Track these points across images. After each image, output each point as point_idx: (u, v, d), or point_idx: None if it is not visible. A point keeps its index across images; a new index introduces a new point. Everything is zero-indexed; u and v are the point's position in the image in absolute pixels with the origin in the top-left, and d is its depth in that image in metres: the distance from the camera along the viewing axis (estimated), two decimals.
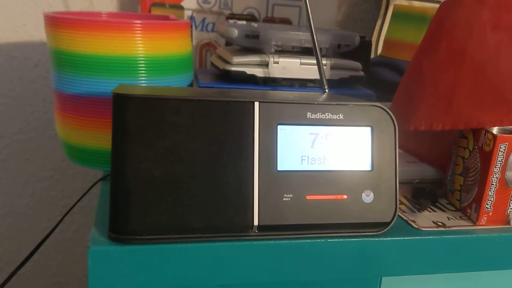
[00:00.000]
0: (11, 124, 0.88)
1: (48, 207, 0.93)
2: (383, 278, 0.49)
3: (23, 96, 0.88)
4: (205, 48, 0.86)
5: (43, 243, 0.55)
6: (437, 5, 0.57)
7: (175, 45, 0.57)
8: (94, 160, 0.56)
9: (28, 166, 0.91)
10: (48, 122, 0.90)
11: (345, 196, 0.44)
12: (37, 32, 0.86)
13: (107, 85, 0.53)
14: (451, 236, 0.47)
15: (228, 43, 0.78)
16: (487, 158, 0.48)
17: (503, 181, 0.48)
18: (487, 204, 0.48)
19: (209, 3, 0.83)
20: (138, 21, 0.53)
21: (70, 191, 0.93)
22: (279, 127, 0.43)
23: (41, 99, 0.88)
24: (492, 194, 0.48)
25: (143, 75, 0.54)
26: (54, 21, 0.54)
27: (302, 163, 0.43)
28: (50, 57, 0.57)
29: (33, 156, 0.91)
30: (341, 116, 0.44)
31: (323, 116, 0.44)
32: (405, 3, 0.92)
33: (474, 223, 0.49)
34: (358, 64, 0.66)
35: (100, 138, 0.54)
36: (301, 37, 0.64)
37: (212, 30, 0.86)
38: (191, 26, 0.79)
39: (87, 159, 0.56)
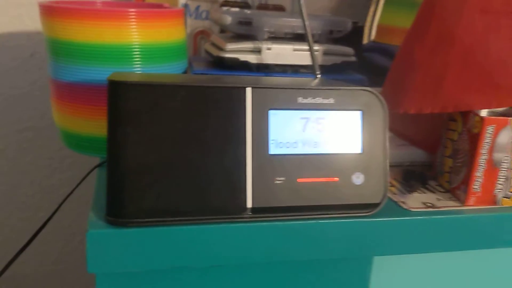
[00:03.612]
0: (8, 114, 0.89)
1: (47, 195, 0.95)
2: (375, 258, 0.50)
3: (19, 86, 0.88)
4: (199, 35, 0.86)
5: (41, 231, 0.57)
6: None
7: (169, 33, 0.57)
8: (91, 147, 0.57)
9: (25, 155, 0.92)
10: (45, 111, 0.90)
11: (336, 179, 0.45)
12: (33, 22, 0.86)
13: (103, 73, 0.54)
14: (440, 217, 0.48)
15: (223, 30, 0.78)
16: (475, 140, 0.49)
17: (490, 162, 0.49)
18: (475, 185, 0.50)
19: None
20: (133, 9, 0.54)
21: (68, 180, 0.94)
22: (270, 111, 0.44)
23: (36, 88, 0.89)
24: (480, 175, 0.49)
25: (138, 63, 0.55)
26: (50, 10, 0.55)
27: (293, 147, 0.44)
28: (46, 46, 0.58)
29: (30, 145, 0.91)
30: (332, 101, 0.45)
31: (314, 101, 0.45)
32: None
33: (463, 204, 0.50)
34: (350, 50, 0.67)
35: (96, 125, 0.55)
36: (293, 23, 0.64)
37: (206, 18, 0.86)
38: (185, 14, 0.79)
39: (84, 146, 0.57)
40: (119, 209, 0.42)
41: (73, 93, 0.56)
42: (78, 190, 0.61)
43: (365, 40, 0.87)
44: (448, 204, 0.50)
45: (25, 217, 0.95)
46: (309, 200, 0.44)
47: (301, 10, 0.56)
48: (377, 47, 0.80)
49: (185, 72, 0.61)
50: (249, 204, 0.43)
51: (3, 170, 0.92)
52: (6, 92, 0.88)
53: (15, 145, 0.91)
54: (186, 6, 0.83)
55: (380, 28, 0.85)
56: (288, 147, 0.44)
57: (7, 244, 0.95)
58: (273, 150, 0.44)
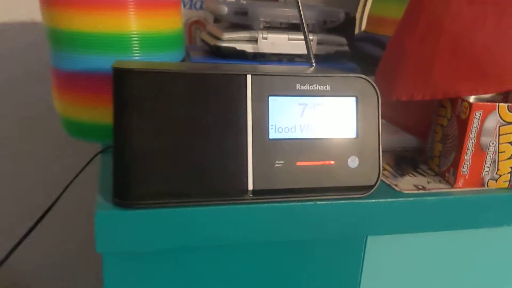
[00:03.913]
0: (7, 104, 0.90)
1: (49, 183, 0.95)
2: (369, 237, 0.53)
3: (16, 75, 0.89)
4: (194, 25, 0.88)
5: (45, 216, 0.58)
6: None
7: (167, 22, 0.59)
8: (93, 134, 0.58)
9: (24, 144, 0.92)
10: (42, 100, 0.91)
11: (332, 162, 0.47)
12: (28, 12, 0.87)
13: (103, 61, 0.55)
14: (430, 198, 0.50)
15: (217, 20, 0.80)
16: (463, 125, 0.51)
17: (478, 146, 0.52)
18: (464, 168, 0.52)
19: None
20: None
21: (69, 167, 0.95)
22: (270, 98, 0.46)
23: (34, 78, 0.89)
24: (468, 158, 0.52)
25: (137, 51, 0.56)
26: (50, 0, 0.55)
27: (292, 132, 0.46)
28: (46, 35, 0.59)
29: (28, 134, 0.92)
30: (328, 87, 0.47)
31: (311, 88, 0.47)
32: None
33: (452, 186, 0.53)
34: (343, 39, 0.69)
35: (98, 112, 0.56)
36: (288, 13, 0.66)
37: (201, 8, 0.87)
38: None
39: (86, 133, 0.58)
40: (125, 191, 0.43)
41: (74, 81, 0.57)
42: (79, 177, 0.62)
43: (356, 30, 0.89)
44: (438, 186, 0.53)
45: (28, 205, 0.96)
46: (307, 183, 0.46)
47: (296, 0, 0.58)
48: (369, 37, 0.82)
49: (183, 60, 0.63)
50: (250, 186, 0.45)
51: (4, 159, 0.92)
52: (3, 82, 0.88)
53: (15, 134, 0.92)
54: None
55: (371, 19, 0.87)
56: (287, 132, 0.46)
57: (9, 232, 0.96)
58: (272, 135, 0.46)
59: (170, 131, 0.43)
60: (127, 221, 0.43)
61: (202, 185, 0.44)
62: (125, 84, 0.43)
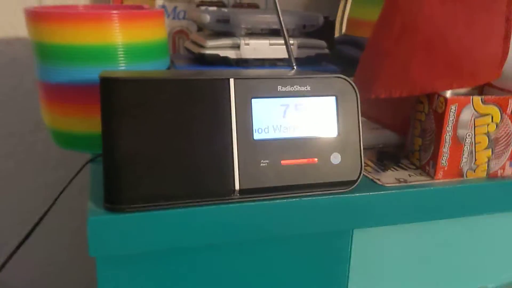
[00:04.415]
0: None
1: (39, 196, 0.96)
2: (355, 230, 0.54)
3: (1, 92, 0.89)
4: (177, 35, 0.89)
5: (36, 228, 0.59)
6: None
7: (152, 32, 0.60)
8: (82, 144, 0.59)
9: (10, 160, 0.93)
10: (32, 114, 0.92)
11: (315, 159, 0.49)
12: (13, 29, 0.88)
13: (90, 72, 0.56)
14: (411, 190, 0.52)
15: (200, 29, 0.81)
16: (440, 119, 0.53)
17: (455, 138, 0.54)
18: (443, 160, 0.54)
19: None
20: (116, 11, 0.56)
21: (58, 179, 0.96)
22: (253, 100, 0.47)
23: (19, 94, 0.90)
24: (446, 151, 0.54)
25: (123, 61, 0.57)
26: (36, 16, 0.57)
27: (275, 132, 0.48)
28: (33, 50, 0.60)
29: (15, 150, 0.93)
30: (308, 88, 0.49)
31: (292, 89, 0.49)
32: None
33: (432, 178, 0.55)
34: (323, 43, 0.71)
35: (87, 123, 0.58)
36: (269, 19, 0.68)
37: (184, 18, 0.89)
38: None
39: (76, 143, 0.59)
40: (116, 196, 0.44)
41: (62, 93, 0.58)
42: (69, 188, 0.63)
43: (336, 33, 0.91)
44: (419, 179, 0.55)
45: (20, 220, 0.96)
46: (292, 180, 0.48)
47: (276, 7, 0.60)
48: (348, 40, 0.84)
49: (168, 69, 0.64)
50: (237, 186, 0.46)
51: None
52: None
53: (3, 150, 0.92)
54: (163, 7, 0.86)
55: (350, 22, 0.90)
56: (270, 132, 0.48)
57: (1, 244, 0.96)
58: (257, 135, 0.47)
59: (157, 136, 0.45)
60: (119, 225, 0.44)
61: (190, 186, 0.45)
62: (112, 93, 0.44)
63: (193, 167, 0.45)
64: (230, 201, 0.47)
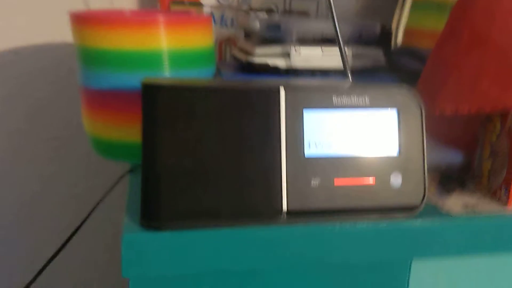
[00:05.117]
0: (34, 124, 0.90)
1: (75, 204, 0.95)
2: (413, 262, 0.49)
3: (45, 96, 0.89)
4: (224, 43, 0.87)
5: (72, 238, 0.57)
6: None
7: (199, 39, 0.58)
8: (122, 153, 0.57)
9: (52, 164, 0.93)
10: (73, 120, 0.91)
11: (373, 181, 0.44)
12: (61, 34, 0.88)
13: (133, 79, 0.54)
14: (481, 219, 0.46)
15: (248, 36, 0.78)
16: None
17: None
18: None
19: None
20: (163, 17, 0.54)
21: (96, 188, 0.95)
22: (305, 111, 0.43)
23: (62, 98, 0.90)
24: None
25: (168, 68, 0.55)
26: (81, 19, 0.55)
27: (329, 148, 0.44)
28: (76, 54, 0.58)
29: (57, 154, 0.93)
30: (367, 100, 0.44)
31: (348, 100, 0.44)
32: None
33: (505, 205, 0.49)
34: (380, 52, 0.66)
35: (127, 131, 0.55)
36: (322, 27, 0.64)
37: (231, 25, 0.86)
38: None
39: (116, 152, 0.57)
40: (154, 212, 0.41)
41: (103, 99, 0.56)
42: (108, 197, 0.61)
43: (393, 44, 0.86)
44: (489, 207, 0.49)
45: (54, 226, 0.96)
46: (345, 203, 0.43)
47: (331, 13, 0.55)
48: (406, 51, 0.79)
49: (214, 77, 0.61)
50: (284, 207, 0.42)
51: (31, 179, 0.93)
52: (35, 103, 0.89)
53: (43, 154, 0.92)
54: (211, 14, 0.83)
55: (408, 31, 0.84)
56: (323, 148, 0.43)
57: (36, 253, 0.96)
58: (308, 151, 0.43)
59: (200, 149, 0.41)
60: (156, 243, 0.41)
61: (233, 205, 0.42)
62: (154, 101, 0.42)
63: (238, 184, 0.42)
64: (276, 223, 0.43)
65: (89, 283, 1.00)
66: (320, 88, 0.44)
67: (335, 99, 0.44)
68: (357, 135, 0.44)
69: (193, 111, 0.41)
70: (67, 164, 0.93)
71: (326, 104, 0.44)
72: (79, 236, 0.93)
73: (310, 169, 0.43)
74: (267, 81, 0.51)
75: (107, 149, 0.58)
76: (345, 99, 0.44)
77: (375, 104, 0.44)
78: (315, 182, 0.43)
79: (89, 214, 0.56)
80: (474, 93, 0.50)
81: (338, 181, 0.43)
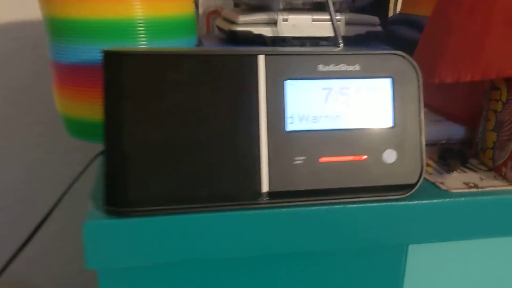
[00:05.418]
0: (13, 108, 0.87)
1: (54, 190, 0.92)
2: (410, 246, 0.46)
3: (24, 77, 0.85)
4: (211, 16, 0.83)
5: (44, 223, 0.53)
6: None
7: (176, 5, 0.53)
8: (94, 133, 0.53)
9: (36, 150, 0.89)
10: (51, 102, 0.88)
11: (364, 157, 0.40)
12: (36, 11, 0.84)
13: None
14: (485, 198, 0.43)
15: (236, 6, 0.74)
16: None
17: None
18: None
19: None
20: None
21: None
22: (287, 82, 0.39)
23: (43, 79, 0.86)
24: None
25: (143, 38, 0.51)
26: None
27: (314, 122, 0.40)
28: (45, 26, 0.54)
29: (41, 140, 0.89)
30: (358, 67, 0.40)
31: (337, 68, 0.40)
32: None
33: (510, 183, 0.45)
34: (375, 19, 0.62)
35: (99, 109, 0.51)
36: None
37: None
38: None
39: (87, 132, 0.54)
40: (119, 196, 0.38)
41: (74, 74, 0.52)
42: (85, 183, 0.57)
43: (390, 13, 0.82)
44: (493, 184, 0.45)
45: (41, 213, 0.92)
46: (333, 182, 0.40)
47: None
48: (403, 19, 0.74)
49: None
50: (265, 188, 0.39)
51: (12, 165, 0.89)
52: (11, 85, 0.86)
53: (25, 139, 0.88)
54: None
55: None
56: (308, 122, 0.39)
57: (8, 240, 0.93)
58: (290, 126, 0.39)
59: (170, 124, 0.38)
60: (122, 232, 0.37)
61: (208, 187, 0.38)
62: (117, 69, 0.38)
63: (212, 163, 0.38)
64: (256, 206, 0.39)
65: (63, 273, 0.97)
66: (304, 56, 0.39)
67: (321, 67, 0.40)
68: (346, 107, 0.40)
69: (161, 81, 0.38)
70: (49, 149, 0.90)
71: (311, 73, 0.39)
72: (54, 223, 0.90)
73: (293, 145, 0.39)
74: (247, 49, 0.47)
75: (79, 129, 0.55)
76: (333, 68, 0.40)
77: (367, 72, 0.40)
78: (298, 160, 0.39)
79: (57, 202, 0.52)
80: (478, 57, 0.46)
81: (324, 158, 0.39)
